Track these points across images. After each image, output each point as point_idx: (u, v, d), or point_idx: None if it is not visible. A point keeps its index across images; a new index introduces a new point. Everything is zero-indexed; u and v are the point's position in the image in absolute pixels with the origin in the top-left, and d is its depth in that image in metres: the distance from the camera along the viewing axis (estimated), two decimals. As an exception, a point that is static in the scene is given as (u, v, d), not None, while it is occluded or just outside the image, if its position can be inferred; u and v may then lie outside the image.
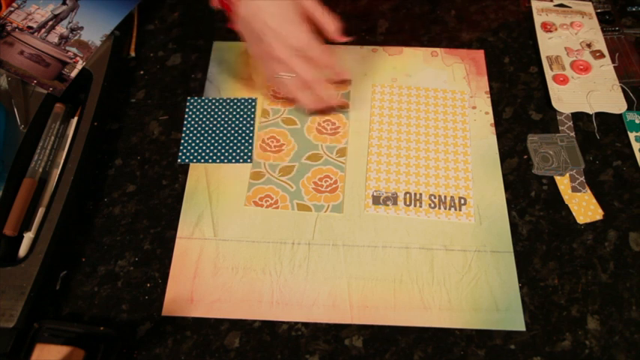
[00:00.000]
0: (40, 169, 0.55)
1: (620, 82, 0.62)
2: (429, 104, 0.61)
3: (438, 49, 0.66)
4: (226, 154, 0.57)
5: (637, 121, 0.60)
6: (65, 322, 0.47)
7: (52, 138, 0.56)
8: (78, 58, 0.60)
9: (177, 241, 0.52)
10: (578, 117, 0.60)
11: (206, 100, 0.61)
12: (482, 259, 0.51)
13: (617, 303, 0.49)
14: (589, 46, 0.66)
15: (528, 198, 0.55)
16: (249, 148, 0.58)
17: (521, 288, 0.50)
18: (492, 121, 0.60)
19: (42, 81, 0.58)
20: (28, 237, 0.50)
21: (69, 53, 0.60)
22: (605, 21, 0.68)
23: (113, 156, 0.58)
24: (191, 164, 0.57)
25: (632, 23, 0.68)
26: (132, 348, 0.47)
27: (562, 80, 0.62)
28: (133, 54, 0.65)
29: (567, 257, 0.52)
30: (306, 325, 0.48)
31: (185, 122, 0.59)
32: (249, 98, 0.61)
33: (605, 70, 0.63)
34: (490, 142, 0.59)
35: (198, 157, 0.57)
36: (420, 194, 0.55)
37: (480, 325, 0.48)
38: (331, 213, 0.54)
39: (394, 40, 0.66)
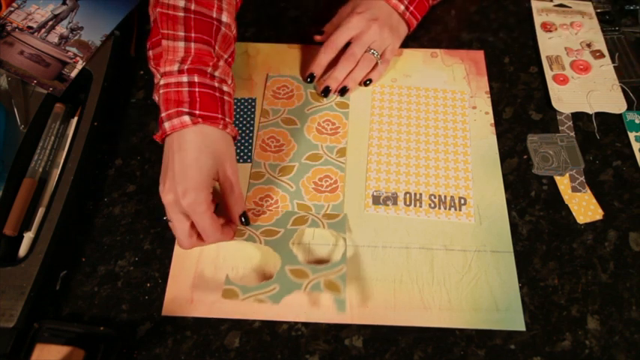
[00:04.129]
0: (40, 169, 0.55)
1: (620, 82, 0.62)
2: (429, 104, 0.61)
3: (437, 50, 0.66)
4: (226, 154, 0.57)
5: (637, 121, 0.60)
6: (65, 322, 0.47)
7: (52, 138, 0.56)
8: (78, 58, 0.60)
9: (178, 241, 0.52)
10: (578, 117, 0.60)
11: (206, 100, 0.61)
12: (482, 259, 0.51)
13: (617, 303, 0.49)
14: (589, 46, 0.66)
15: (528, 198, 0.55)
16: (249, 148, 0.58)
17: (521, 288, 0.50)
18: (492, 121, 0.60)
19: (42, 81, 0.58)
20: (28, 237, 0.50)
21: (69, 53, 0.60)
22: (605, 21, 0.68)
23: (113, 156, 0.58)
24: (191, 164, 0.57)
25: (632, 23, 0.68)
26: (132, 348, 0.47)
27: (562, 80, 0.62)
28: (133, 54, 0.65)
29: (567, 257, 0.52)
30: (306, 325, 0.48)
31: (185, 122, 0.59)
32: (249, 98, 0.61)
33: (605, 70, 0.63)
34: (490, 142, 0.59)
35: (198, 157, 0.57)
36: (420, 194, 0.55)
37: (480, 325, 0.48)
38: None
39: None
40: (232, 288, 0.48)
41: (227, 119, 0.49)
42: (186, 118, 0.46)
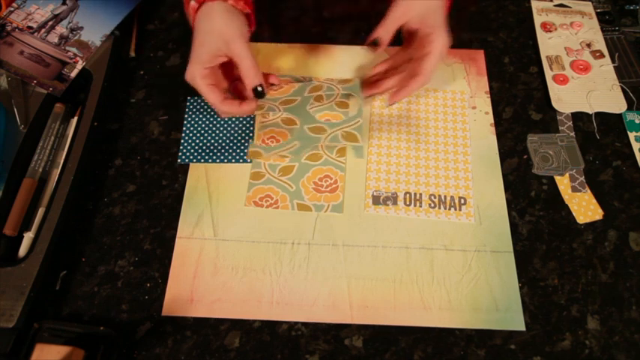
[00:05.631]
0: (40, 169, 0.55)
1: (619, 82, 0.62)
2: (429, 104, 0.61)
3: (437, 49, 0.65)
4: (226, 154, 0.57)
5: (637, 121, 0.60)
6: (65, 322, 0.47)
7: (52, 138, 0.56)
8: (78, 58, 0.60)
9: (177, 241, 0.52)
10: (578, 117, 0.60)
11: (206, 100, 0.61)
12: (482, 259, 0.51)
13: (617, 303, 0.49)
14: (589, 46, 0.66)
15: (528, 198, 0.55)
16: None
17: (521, 288, 0.50)
18: (492, 121, 0.60)
19: (42, 81, 0.58)
20: (28, 237, 0.50)
21: (69, 53, 0.60)
22: (605, 21, 0.68)
23: (113, 156, 0.58)
24: (191, 164, 0.57)
25: (631, 23, 0.68)
26: (132, 348, 0.47)
27: (562, 80, 0.62)
28: (133, 54, 0.65)
29: (567, 257, 0.52)
30: (306, 325, 0.48)
31: (185, 122, 0.59)
32: (249, 98, 0.61)
33: (604, 69, 0.63)
34: (490, 142, 0.59)
35: (198, 157, 0.57)
36: (420, 194, 0.55)
37: (480, 325, 0.48)
38: (331, 213, 0.54)
39: (394, 40, 0.66)
40: (257, 150, 0.55)
41: None
42: None
